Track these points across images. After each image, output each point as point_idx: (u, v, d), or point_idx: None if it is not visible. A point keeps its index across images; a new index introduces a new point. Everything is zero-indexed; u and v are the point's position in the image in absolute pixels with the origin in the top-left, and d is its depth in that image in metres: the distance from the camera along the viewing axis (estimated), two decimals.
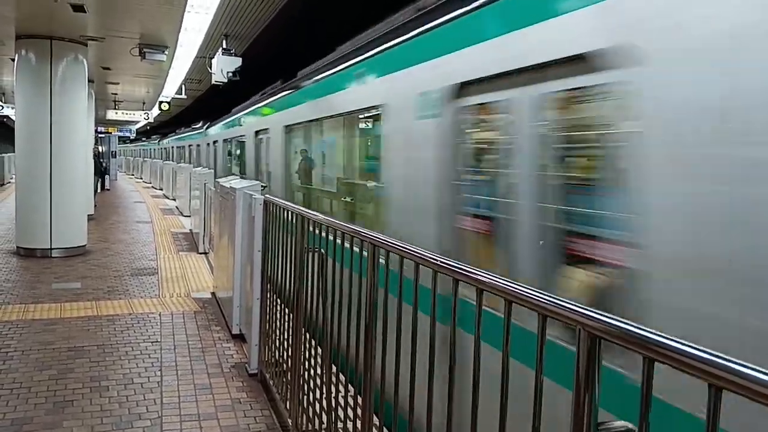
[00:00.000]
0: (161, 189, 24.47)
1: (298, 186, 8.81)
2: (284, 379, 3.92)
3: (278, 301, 4.15)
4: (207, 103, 25.62)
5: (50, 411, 3.99)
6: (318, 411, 3.15)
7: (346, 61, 6.23)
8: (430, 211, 3.92)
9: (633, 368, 2.18)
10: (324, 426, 3.02)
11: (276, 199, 4.30)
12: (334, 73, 6.58)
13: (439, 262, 1.91)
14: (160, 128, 41.43)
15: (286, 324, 3.88)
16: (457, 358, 1.83)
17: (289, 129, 8.65)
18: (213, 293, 7.25)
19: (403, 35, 4.72)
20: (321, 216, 3.22)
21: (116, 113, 22.26)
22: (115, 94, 18.60)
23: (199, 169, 13.60)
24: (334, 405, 2.89)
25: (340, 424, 2.92)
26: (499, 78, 3.30)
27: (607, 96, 2.65)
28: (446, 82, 3.78)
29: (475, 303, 1.70)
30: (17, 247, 9.63)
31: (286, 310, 3.88)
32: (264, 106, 10.72)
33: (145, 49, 10.07)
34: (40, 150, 9.41)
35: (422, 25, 4.37)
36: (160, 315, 6.32)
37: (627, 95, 2.43)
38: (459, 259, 2.18)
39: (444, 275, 1.87)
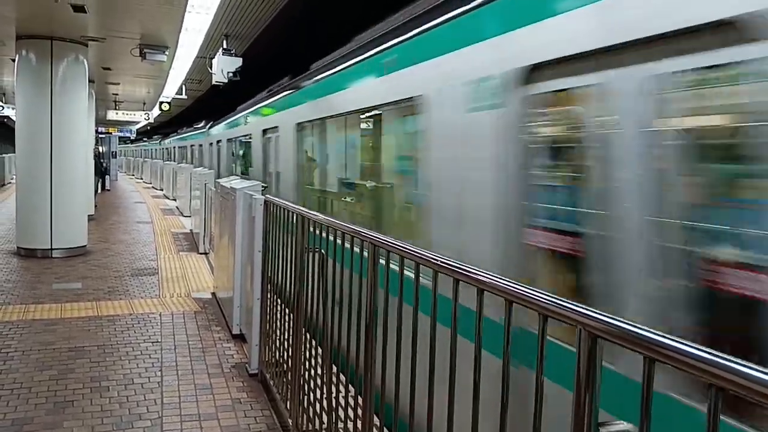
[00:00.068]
0: (161, 189, 24.48)
1: (312, 190, 7.97)
2: (284, 380, 3.92)
3: (278, 301, 4.15)
4: (207, 104, 25.62)
5: (51, 411, 3.99)
6: (318, 411, 3.15)
7: (371, 49, 5.47)
8: (486, 221, 3.26)
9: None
10: (324, 426, 3.02)
11: (276, 199, 4.30)
12: (356, 63, 5.88)
13: (439, 262, 1.91)
14: (161, 128, 41.43)
15: (287, 324, 3.87)
16: (457, 359, 1.83)
17: (301, 127, 7.93)
18: (213, 293, 7.25)
19: (447, 12, 4.00)
20: (321, 216, 3.22)
21: (116, 113, 22.29)
22: (116, 94, 18.62)
23: (200, 169, 13.61)
24: (334, 405, 2.89)
25: (340, 425, 2.92)
26: (597, 55, 2.59)
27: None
28: (512, 64, 3.11)
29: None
30: (18, 247, 9.63)
31: (287, 310, 3.87)
32: (272, 103, 10.08)
33: (145, 50, 10.07)
34: (40, 150, 9.42)
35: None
36: (160, 315, 6.32)
37: None
38: (531, 283, 1.80)
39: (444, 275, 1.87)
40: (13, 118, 14.36)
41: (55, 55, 9.47)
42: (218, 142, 16.93)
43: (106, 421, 3.88)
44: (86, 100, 10.30)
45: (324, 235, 3.10)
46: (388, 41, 5.03)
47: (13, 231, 10.52)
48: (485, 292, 1.67)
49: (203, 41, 12.51)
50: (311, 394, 3.31)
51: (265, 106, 10.73)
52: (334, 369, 2.96)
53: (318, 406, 3.16)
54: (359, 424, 2.55)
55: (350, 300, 2.72)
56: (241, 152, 14.26)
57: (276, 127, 9.28)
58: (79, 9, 7.71)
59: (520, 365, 2.38)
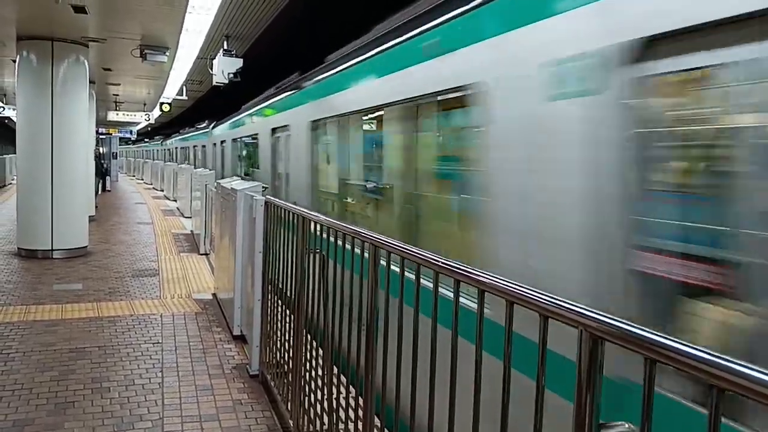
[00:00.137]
0: (162, 190, 24.48)
1: (329, 194, 7.11)
2: (285, 381, 3.92)
3: (279, 302, 4.15)
4: (208, 104, 25.63)
5: (52, 412, 3.99)
6: (319, 412, 3.15)
7: (405, 33, 4.74)
8: (572, 240, 2.64)
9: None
10: (325, 427, 3.02)
11: (277, 200, 4.30)
12: (384, 51, 5.12)
13: (440, 263, 1.91)
14: (162, 129, 41.45)
15: (287, 325, 3.88)
16: (457, 359, 1.83)
17: (316, 125, 7.19)
18: (214, 294, 7.25)
19: None
20: (322, 217, 3.22)
21: (117, 114, 22.29)
22: (116, 95, 18.63)
23: (200, 170, 13.60)
24: (335, 406, 2.89)
25: (341, 426, 2.91)
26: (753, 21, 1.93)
27: None
28: (616, 37, 2.42)
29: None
30: (18, 248, 9.64)
31: (287, 312, 3.87)
32: (281, 100, 9.41)
33: (146, 51, 10.08)
34: (41, 151, 9.43)
35: None
36: (161, 316, 6.32)
37: None
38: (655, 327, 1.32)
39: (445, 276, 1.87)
40: (14, 118, 14.37)
41: (55, 56, 9.48)
42: (222, 142, 16.31)
43: (107, 422, 3.88)
44: (87, 100, 10.30)
45: (325, 236, 3.10)
46: (428, 22, 4.31)
47: (13, 232, 10.52)
48: (486, 293, 1.68)
49: (204, 42, 12.51)
50: (312, 396, 3.31)
51: (273, 103, 10.09)
52: (335, 370, 2.96)
53: (319, 407, 3.16)
54: (360, 425, 2.55)
55: (351, 301, 2.72)
56: (247, 153, 13.67)
57: (286, 125, 8.67)
58: (80, 10, 7.71)
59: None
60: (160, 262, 9.50)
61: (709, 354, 1.00)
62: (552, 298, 1.41)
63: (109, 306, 6.69)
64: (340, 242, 2.87)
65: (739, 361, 0.96)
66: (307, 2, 12.35)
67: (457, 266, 1.82)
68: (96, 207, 15.13)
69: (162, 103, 20.91)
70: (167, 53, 10.35)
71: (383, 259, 2.35)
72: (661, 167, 2.41)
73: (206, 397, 4.33)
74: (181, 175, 17.29)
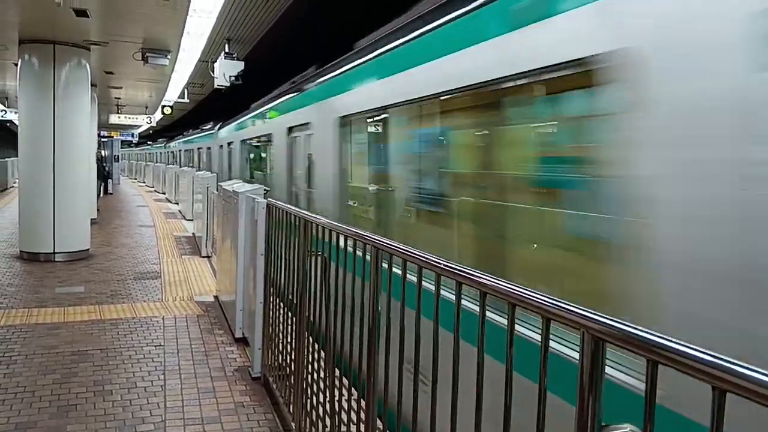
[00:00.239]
0: (164, 193, 24.52)
1: (366, 205, 5.93)
2: (287, 383, 3.92)
3: (281, 304, 4.15)
4: (209, 107, 25.69)
5: (54, 415, 3.99)
6: (321, 415, 3.15)
7: None
8: None
9: None
10: (327, 430, 3.02)
11: (278, 202, 4.30)
12: (449, 23, 4.05)
13: (442, 265, 1.91)
14: (164, 132, 41.53)
15: (289, 328, 3.88)
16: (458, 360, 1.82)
17: (347, 121, 6.13)
18: (216, 297, 7.26)
19: None
20: (324, 219, 3.22)
21: (119, 117, 22.36)
22: (118, 98, 18.68)
23: (202, 173, 13.60)
24: (337, 409, 2.89)
25: (343, 428, 2.91)
26: None
27: None
28: None
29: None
30: (20, 251, 9.65)
31: (289, 314, 3.88)
32: (300, 95, 8.34)
33: (147, 54, 10.10)
34: (43, 154, 9.45)
35: None
36: (163, 319, 6.33)
37: None
38: None
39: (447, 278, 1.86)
40: (16, 122, 14.40)
41: (57, 59, 9.51)
42: (229, 144, 15.28)
43: (110, 425, 3.88)
44: (88, 104, 10.33)
45: (326, 238, 3.10)
46: None
47: (16, 235, 10.54)
48: (488, 295, 1.67)
49: (205, 45, 12.56)
50: (314, 398, 3.31)
51: (289, 100, 9.05)
52: (337, 372, 2.96)
53: (321, 409, 3.16)
54: (362, 427, 2.55)
55: (353, 303, 2.72)
56: (257, 156, 12.78)
57: (307, 123, 7.58)
58: (82, 13, 7.74)
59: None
60: (161, 264, 9.51)
61: (711, 356, 1.00)
62: (553, 300, 1.41)
63: (111, 309, 6.69)
64: (341, 244, 2.87)
65: (742, 363, 0.96)
66: (308, 5, 12.37)
67: (459, 268, 1.82)
68: (98, 210, 15.15)
69: (164, 106, 20.98)
70: (169, 56, 10.38)
71: (385, 261, 2.35)
72: None
73: (208, 399, 4.33)
74: (182, 178, 17.31)
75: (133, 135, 34.00)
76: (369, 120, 5.79)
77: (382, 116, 5.41)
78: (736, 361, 0.97)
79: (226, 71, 13.09)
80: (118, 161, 32.27)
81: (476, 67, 3.60)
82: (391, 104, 4.98)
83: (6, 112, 22.14)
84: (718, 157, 2.05)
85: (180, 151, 29.05)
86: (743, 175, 1.96)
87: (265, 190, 5.55)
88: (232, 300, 5.78)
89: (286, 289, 3.89)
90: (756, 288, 1.86)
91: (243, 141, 13.44)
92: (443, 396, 1.87)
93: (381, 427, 2.42)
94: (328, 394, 3.00)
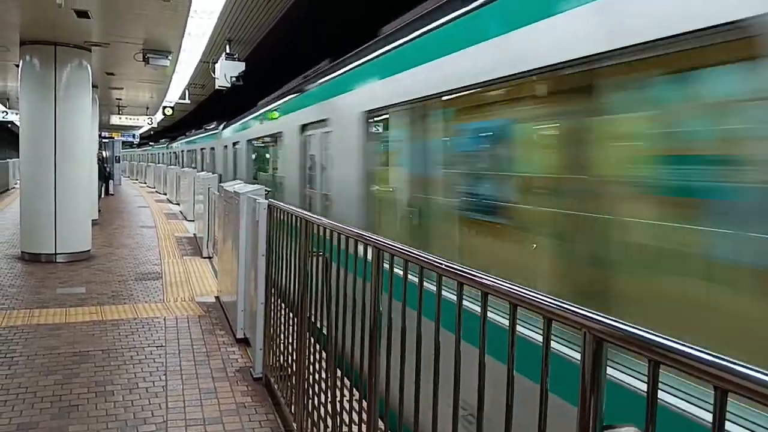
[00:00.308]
0: (165, 194, 24.53)
1: (401, 211, 4.90)
2: (289, 384, 3.92)
3: (282, 305, 4.15)
4: (211, 108, 25.71)
5: (56, 416, 3.99)
6: (323, 415, 3.15)
7: None
8: None
9: None
10: (329, 430, 3.02)
11: (280, 203, 4.30)
12: None
13: (443, 266, 1.91)
14: (165, 133, 41.57)
15: (291, 328, 3.88)
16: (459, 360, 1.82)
17: (375, 115, 5.35)
18: (217, 297, 7.26)
19: None
20: (324, 220, 3.22)
21: (120, 118, 22.39)
22: (119, 99, 18.69)
23: (203, 173, 13.59)
24: (338, 409, 2.89)
25: (345, 429, 2.91)
26: None
27: None
28: None
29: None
30: (22, 252, 9.66)
31: (291, 315, 3.88)
32: (316, 89, 7.51)
33: (148, 55, 10.11)
34: (44, 155, 9.46)
35: None
36: (164, 319, 6.33)
37: None
38: None
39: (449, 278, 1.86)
40: (17, 123, 14.41)
41: (58, 60, 9.52)
42: (234, 144, 14.49)
43: (111, 426, 3.88)
44: (90, 105, 10.35)
45: (328, 238, 3.10)
46: None
47: (17, 236, 10.56)
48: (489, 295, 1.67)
49: (206, 46, 12.56)
50: (315, 399, 3.31)
51: (303, 95, 8.27)
52: (339, 373, 2.96)
53: (322, 410, 3.16)
54: (364, 428, 2.55)
55: (354, 304, 2.72)
56: (266, 156, 11.92)
57: (324, 120, 6.83)
58: (83, 14, 7.75)
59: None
60: (163, 265, 9.52)
61: (713, 356, 1.00)
62: (555, 300, 1.41)
63: (112, 309, 6.70)
64: (343, 245, 2.87)
65: (743, 363, 0.96)
66: (309, 6, 12.38)
67: (460, 268, 1.82)
68: (99, 211, 15.17)
69: (165, 107, 20.98)
70: (170, 57, 10.39)
71: (386, 261, 2.36)
72: None
73: (210, 400, 4.33)
74: (183, 179, 17.31)
75: (134, 136, 34.00)
76: (405, 114, 4.78)
77: (425, 108, 4.45)
78: (737, 362, 0.97)
79: (227, 72, 13.11)
80: (119, 162, 32.30)
81: (576, 36, 2.76)
82: (433, 94, 4.16)
83: (7, 113, 22.17)
84: None
85: (183, 151, 28.49)
86: None
87: (266, 190, 5.54)
88: (233, 300, 5.78)
89: (288, 289, 3.89)
90: None
91: (249, 141, 12.70)
92: (445, 396, 1.87)
93: (383, 427, 2.41)
94: (329, 395, 3.00)
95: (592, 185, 2.81)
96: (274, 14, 12.19)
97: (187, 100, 21.28)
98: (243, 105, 15.06)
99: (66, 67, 9.59)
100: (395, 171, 5.23)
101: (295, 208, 3.83)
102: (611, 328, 1.21)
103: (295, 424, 3.69)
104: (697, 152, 2.50)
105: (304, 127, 7.90)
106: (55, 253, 9.51)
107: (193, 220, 13.89)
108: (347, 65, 6.38)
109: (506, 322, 1.57)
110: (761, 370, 0.93)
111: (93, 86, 10.93)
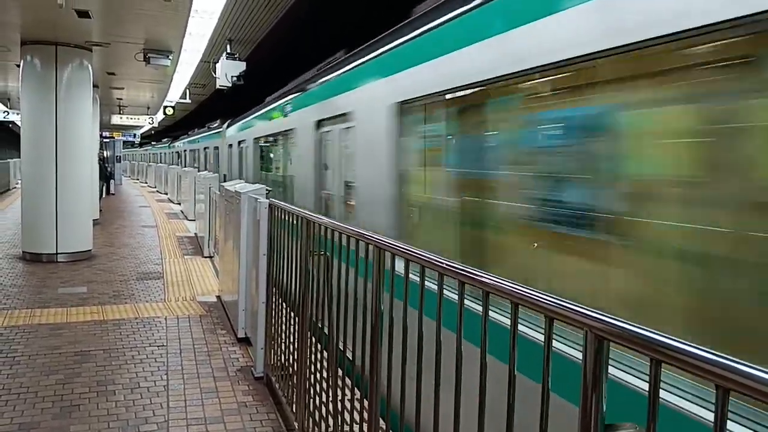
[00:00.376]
0: (166, 193, 24.54)
1: (448, 221, 4.09)
2: (290, 383, 3.92)
3: (284, 304, 4.15)
4: (211, 107, 25.73)
5: (57, 415, 4.00)
6: (324, 414, 3.15)
7: None
8: None
9: None
10: (330, 429, 3.02)
11: (281, 202, 4.30)
12: None
13: (444, 265, 1.91)
14: (166, 132, 41.60)
15: (292, 327, 3.88)
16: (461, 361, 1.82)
17: (410, 108, 4.57)
18: (218, 297, 7.27)
19: None
20: (326, 219, 3.22)
21: (121, 118, 22.41)
22: (120, 99, 18.70)
23: (204, 173, 13.58)
24: (340, 408, 2.90)
25: (346, 428, 2.92)
26: None
27: None
28: None
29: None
30: (23, 252, 9.67)
31: (292, 314, 3.88)
32: (334, 79, 6.74)
33: (149, 55, 10.12)
34: (45, 155, 9.47)
35: None
36: (165, 319, 6.34)
37: None
38: None
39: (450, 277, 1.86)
40: (18, 123, 14.42)
41: (59, 60, 9.53)
42: (240, 143, 13.60)
43: (113, 425, 3.89)
44: (90, 104, 10.35)
45: (329, 238, 3.10)
46: None
47: (18, 235, 10.56)
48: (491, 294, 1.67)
49: (207, 46, 12.58)
50: (317, 398, 3.31)
51: (318, 88, 7.45)
52: (340, 372, 2.96)
53: (324, 409, 3.16)
54: (365, 427, 2.55)
55: (355, 303, 2.72)
56: (275, 156, 10.95)
57: (344, 114, 6.01)
58: (84, 14, 7.75)
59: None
60: (164, 265, 9.52)
61: (715, 355, 1.00)
62: (557, 299, 1.41)
63: (113, 309, 6.70)
64: (344, 244, 2.87)
65: (744, 362, 0.96)
66: (309, 6, 12.38)
67: (461, 267, 1.82)
68: (100, 210, 15.17)
69: (166, 107, 21.00)
70: (171, 57, 10.39)
71: (388, 261, 2.36)
72: None
73: (211, 399, 4.33)
74: (184, 179, 17.32)
75: (135, 135, 34.03)
76: (446, 105, 4.10)
77: (477, 96, 3.75)
78: (739, 360, 0.97)
79: (227, 72, 13.12)
80: (120, 162, 32.32)
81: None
82: (497, 77, 3.32)
83: (8, 113, 22.19)
84: None
85: (185, 151, 27.70)
86: None
87: (267, 190, 5.54)
88: (234, 300, 5.79)
89: (289, 288, 3.89)
90: None
91: (256, 139, 11.78)
92: (446, 396, 1.87)
93: (384, 426, 2.41)
94: (331, 394, 3.00)
95: (754, 193, 2.07)
96: (275, 14, 12.20)
97: (188, 100, 21.30)
98: (244, 105, 15.06)
99: (67, 67, 9.60)
100: (438, 172, 4.40)
101: (296, 208, 3.82)
102: (613, 326, 1.21)
103: (296, 424, 3.69)
104: None
105: (319, 123, 7.10)
106: (57, 253, 9.52)
107: (194, 220, 13.89)
108: (373, 51, 5.51)
109: (508, 321, 1.57)
110: (763, 369, 0.93)
111: (94, 86, 10.94)
